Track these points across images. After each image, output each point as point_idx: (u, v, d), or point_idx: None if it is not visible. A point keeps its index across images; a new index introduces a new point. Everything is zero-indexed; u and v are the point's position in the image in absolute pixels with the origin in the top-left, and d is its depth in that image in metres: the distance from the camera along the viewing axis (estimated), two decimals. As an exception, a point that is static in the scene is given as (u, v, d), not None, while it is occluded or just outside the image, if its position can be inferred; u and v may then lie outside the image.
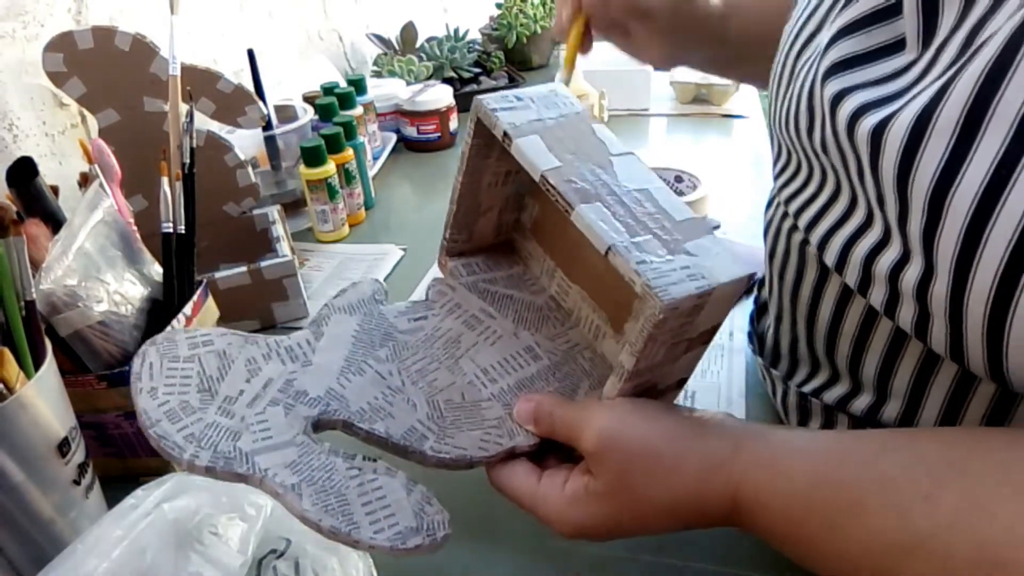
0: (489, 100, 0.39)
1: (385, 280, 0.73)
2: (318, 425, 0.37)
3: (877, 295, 0.31)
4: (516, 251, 0.49)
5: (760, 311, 0.48)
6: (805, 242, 0.38)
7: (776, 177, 0.42)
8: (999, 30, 0.25)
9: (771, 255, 0.43)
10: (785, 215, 0.40)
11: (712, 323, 0.36)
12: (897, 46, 0.31)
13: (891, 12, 0.31)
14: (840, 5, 0.34)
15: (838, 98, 0.31)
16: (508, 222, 0.48)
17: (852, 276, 0.32)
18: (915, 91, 0.29)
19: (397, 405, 0.39)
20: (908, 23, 0.30)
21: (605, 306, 0.43)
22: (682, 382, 0.40)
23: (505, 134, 0.37)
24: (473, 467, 0.37)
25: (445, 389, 0.40)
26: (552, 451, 0.39)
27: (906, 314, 0.30)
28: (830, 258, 0.34)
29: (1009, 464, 0.25)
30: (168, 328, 0.47)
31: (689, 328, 0.35)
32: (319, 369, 0.39)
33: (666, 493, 0.33)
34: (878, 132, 0.28)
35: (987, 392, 0.32)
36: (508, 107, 0.39)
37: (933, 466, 0.27)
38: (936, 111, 0.26)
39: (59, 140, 0.73)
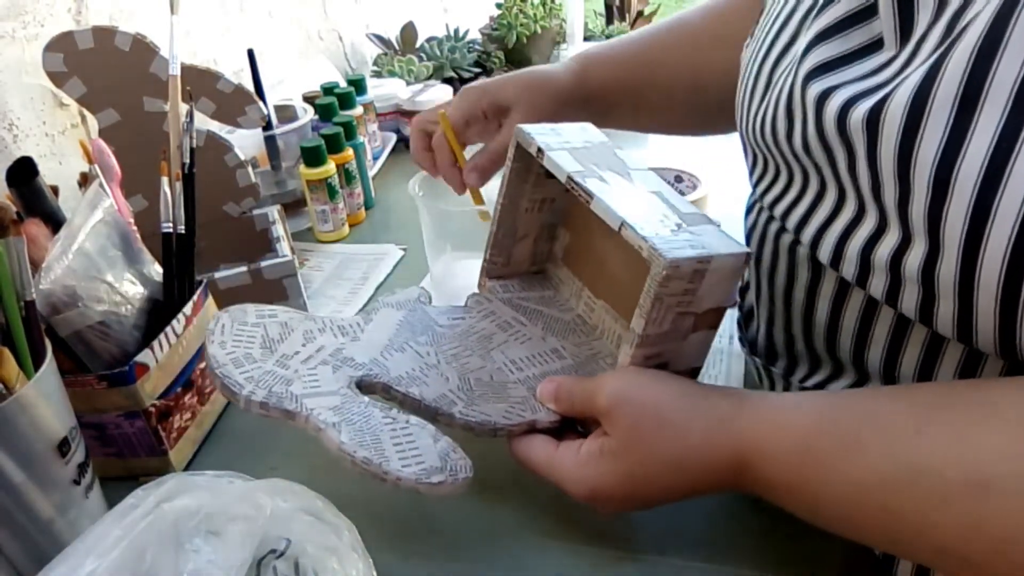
0: (527, 128, 0.46)
1: (385, 280, 0.74)
2: (360, 385, 0.42)
3: (877, 284, 0.32)
4: (548, 279, 0.54)
5: (747, 317, 0.48)
6: (796, 243, 0.38)
7: (755, 184, 0.43)
8: (982, 11, 0.26)
9: (757, 259, 0.43)
10: (771, 219, 0.41)
11: (715, 302, 0.39)
12: (875, 46, 0.32)
13: (867, 14, 0.32)
14: (815, 12, 0.35)
15: (823, 97, 0.32)
16: (543, 252, 0.54)
17: (849, 269, 0.33)
18: (901, 78, 0.29)
19: (432, 377, 0.44)
20: (884, 23, 0.31)
21: (626, 315, 0.47)
22: (695, 372, 0.43)
23: (539, 149, 0.44)
24: (496, 435, 0.41)
25: (476, 371, 0.45)
26: (570, 432, 0.42)
27: (909, 299, 0.30)
28: (824, 255, 0.34)
29: (988, 401, 0.28)
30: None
31: (693, 299, 0.38)
32: (366, 343, 0.45)
33: (674, 449, 0.35)
34: (873, 118, 0.29)
35: (994, 370, 0.32)
36: (542, 133, 0.46)
37: (921, 407, 0.30)
38: (932, 90, 0.27)
39: (59, 140, 0.73)
